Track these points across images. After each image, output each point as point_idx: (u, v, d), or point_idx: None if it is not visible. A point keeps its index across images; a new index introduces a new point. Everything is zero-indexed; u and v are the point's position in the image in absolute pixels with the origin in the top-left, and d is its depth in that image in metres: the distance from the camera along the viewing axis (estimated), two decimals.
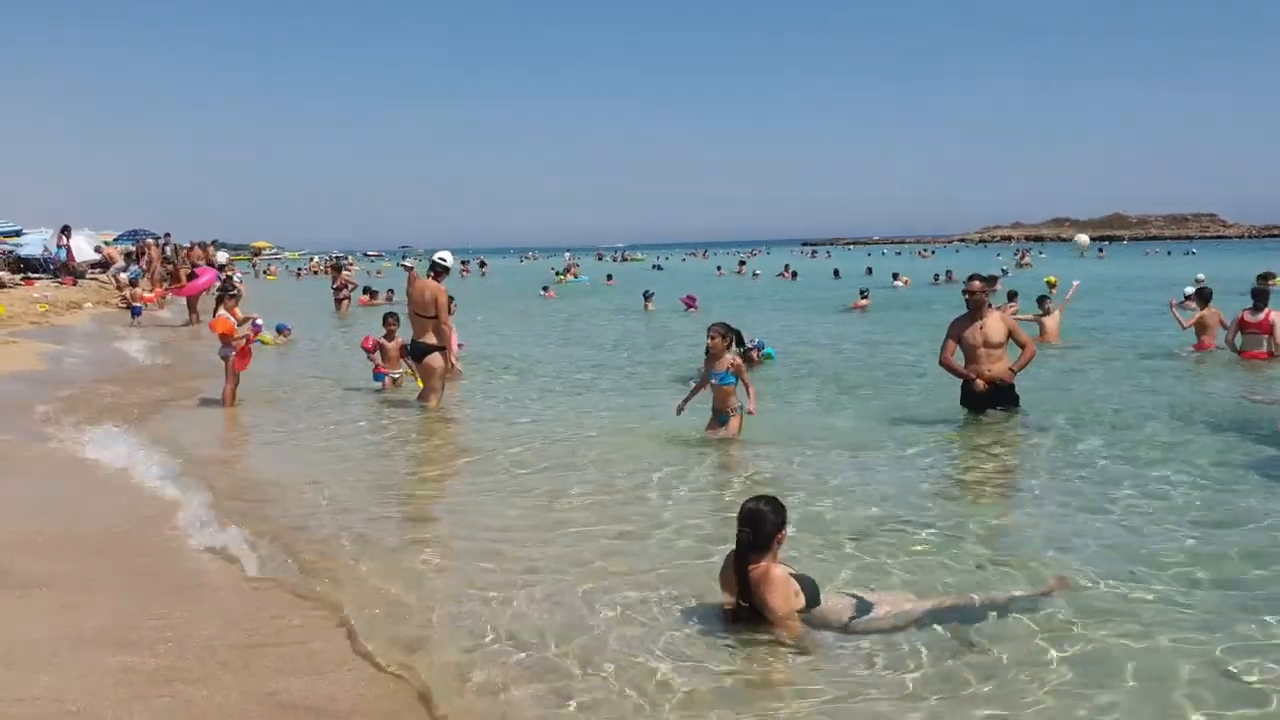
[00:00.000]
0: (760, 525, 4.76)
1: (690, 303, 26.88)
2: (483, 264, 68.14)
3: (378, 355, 13.31)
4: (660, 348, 18.10)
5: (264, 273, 65.67)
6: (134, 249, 40.34)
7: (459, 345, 12.64)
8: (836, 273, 45.33)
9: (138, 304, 22.53)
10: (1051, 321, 18.44)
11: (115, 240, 42.97)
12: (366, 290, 30.59)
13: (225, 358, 11.75)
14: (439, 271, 11.55)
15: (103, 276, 34.76)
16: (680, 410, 9.50)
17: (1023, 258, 55.43)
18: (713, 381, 9.39)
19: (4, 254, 31.21)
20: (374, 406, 11.93)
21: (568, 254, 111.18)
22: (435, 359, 11.37)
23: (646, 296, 27.75)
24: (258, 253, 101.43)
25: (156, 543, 6.42)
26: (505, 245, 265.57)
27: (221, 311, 11.85)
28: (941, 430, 9.85)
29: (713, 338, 9.33)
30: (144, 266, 33.43)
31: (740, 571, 4.78)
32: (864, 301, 26.53)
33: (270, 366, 15.21)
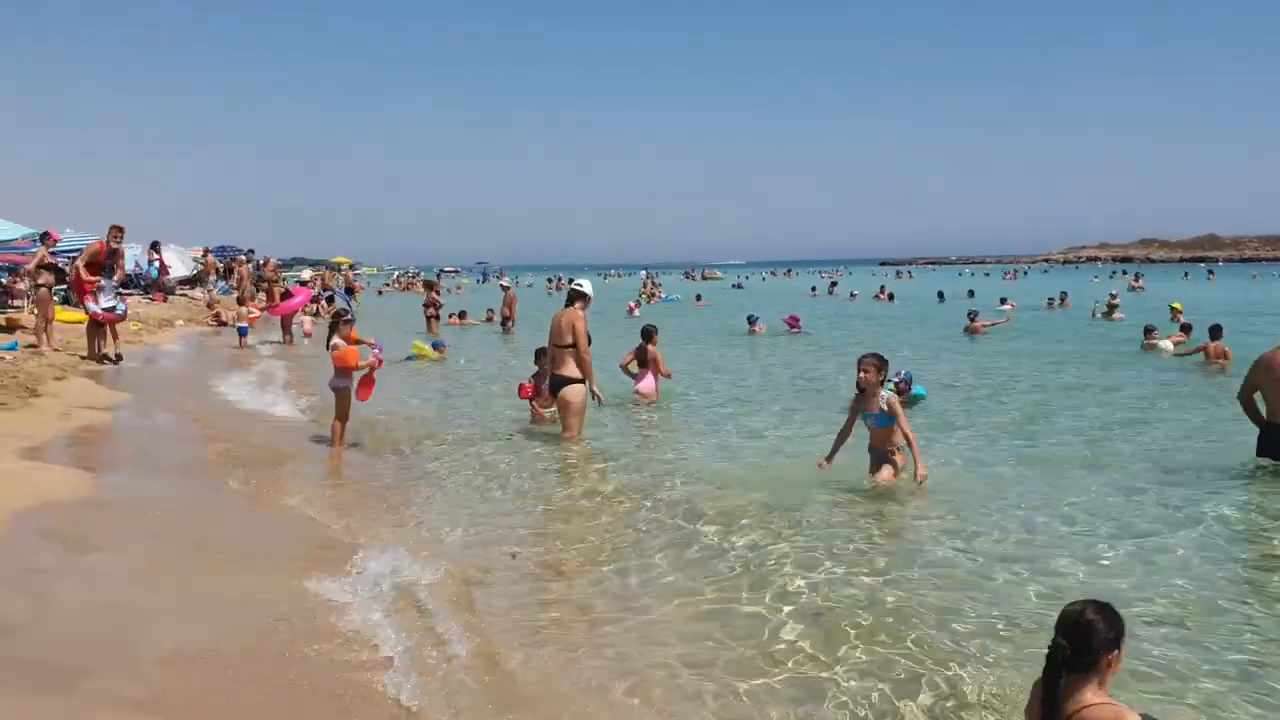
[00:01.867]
0: (1087, 639, 3.36)
1: (794, 323, 25.61)
2: (570, 281, 67.24)
3: (541, 399, 11.73)
4: (795, 374, 16.66)
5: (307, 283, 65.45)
6: (222, 266, 40.22)
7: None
8: (941, 295, 43.39)
9: (243, 324, 21.67)
10: (1216, 346, 17.37)
11: (214, 254, 42.94)
12: (461, 313, 30.00)
13: (339, 389, 10.62)
14: (577, 299, 10.48)
15: (194, 293, 34.46)
16: (829, 461, 8.20)
17: (1136, 280, 52.67)
18: (869, 423, 8.19)
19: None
20: (516, 442, 10.71)
21: (643, 272, 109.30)
22: (574, 392, 10.24)
23: (751, 321, 26.15)
24: (339, 268, 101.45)
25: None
26: (581, 263, 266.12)
27: (338, 339, 10.66)
28: (1228, 491, 8.08)
29: (865, 370, 8.09)
30: (233, 284, 33.04)
31: (1051, 705, 3.39)
32: (980, 324, 24.86)
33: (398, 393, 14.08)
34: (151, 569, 6.06)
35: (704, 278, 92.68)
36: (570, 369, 10.19)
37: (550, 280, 71.81)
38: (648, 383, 13.49)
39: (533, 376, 11.96)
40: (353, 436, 10.67)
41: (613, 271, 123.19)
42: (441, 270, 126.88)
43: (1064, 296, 35.28)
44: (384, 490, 8.65)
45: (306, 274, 31.42)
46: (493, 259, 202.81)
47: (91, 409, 11.38)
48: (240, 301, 24.84)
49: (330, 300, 31.82)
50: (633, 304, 36.39)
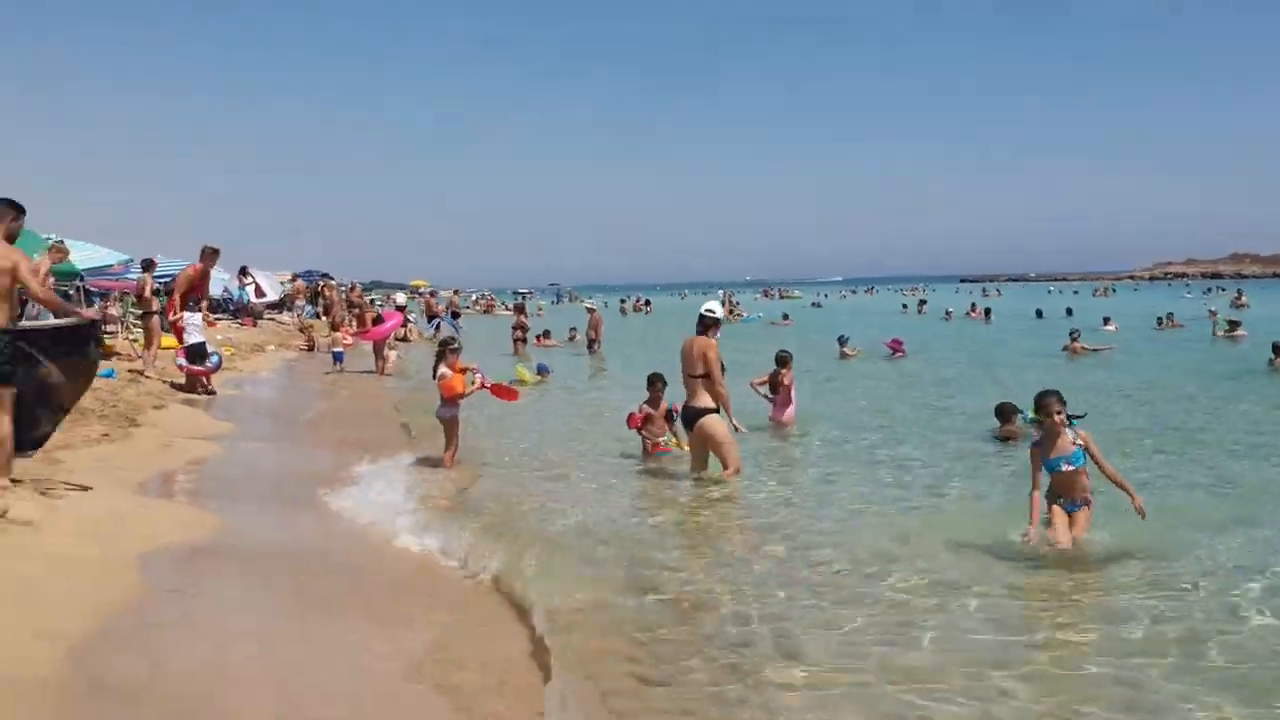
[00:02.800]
0: None
1: (897, 347, 24.40)
2: (647, 302, 66.99)
3: (653, 428, 11.05)
4: (921, 402, 15.63)
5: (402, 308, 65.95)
6: (308, 290, 40.51)
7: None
8: (1039, 312, 42.02)
9: (339, 349, 21.38)
10: None
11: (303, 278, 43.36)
12: (544, 333, 29.83)
13: (446, 419, 10.24)
14: (709, 325, 9.70)
15: (283, 317, 34.65)
16: (1031, 536, 6.85)
17: (1239, 298, 50.47)
18: (1063, 468, 7.06)
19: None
20: (642, 482, 9.95)
21: (721, 291, 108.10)
22: (713, 423, 9.40)
23: (842, 342, 24.84)
24: (417, 291, 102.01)
25: None
26: (653, 282, 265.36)
27: (444, 369, 10.31)
28: None
29: (1054, 413, 7.02)
30: (321, 309, 33.15)
31: None
32: (1081, 346, 23.78)
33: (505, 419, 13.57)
34: (271, 623, 5.49)
35: (782, 296, 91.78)
36: (704, 399, 9.42)
37: (624, 301, 71.31)
38: (789, 412, 12.86)
39: (644, 404, 11.22)
40: (464, 467, 10.20)
41: (686, 291, 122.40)
42: (515, 292, 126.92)
43: (1170, 316, 33.65)
44: (505, 521, 8.02)
45: (401, 298, 31.30)
46: (563, 280, 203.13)
47: (195, 439, 11.00)
48: (334, 326, 24.67)
49: (437, 326, 31.82)
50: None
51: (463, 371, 10.50)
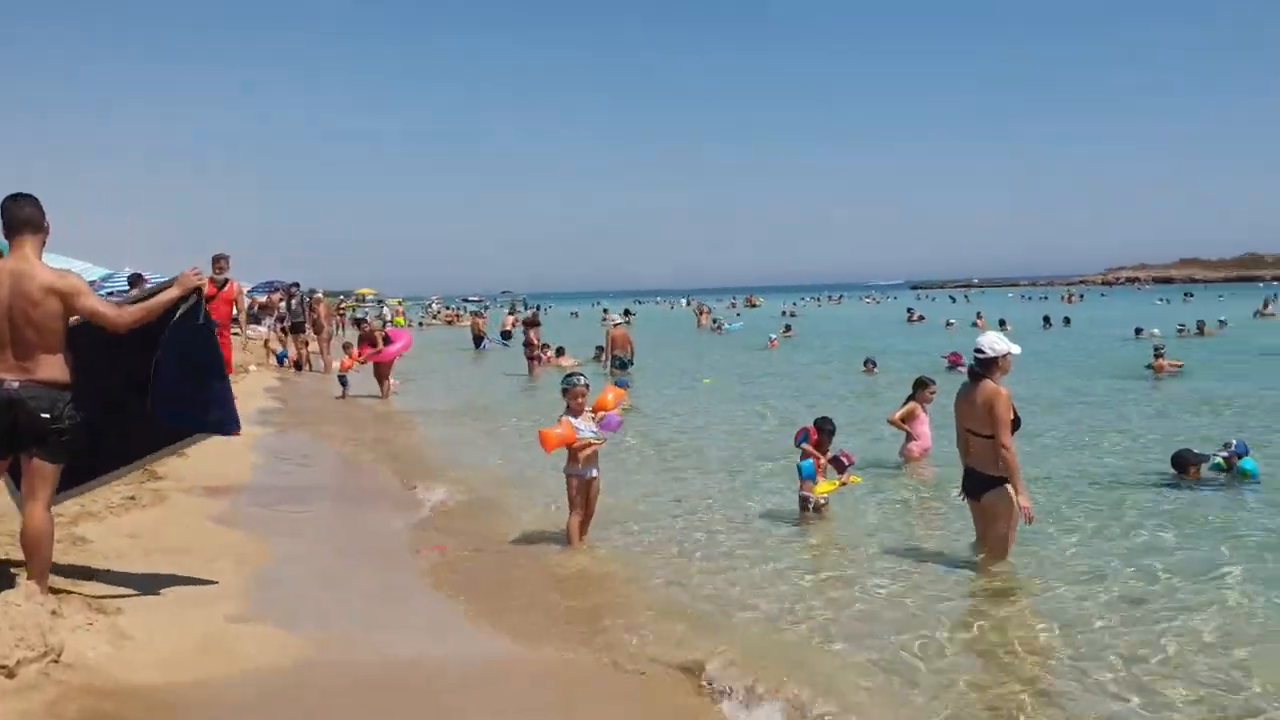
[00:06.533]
0: None
1: (956, 360, 22.92)
2: (626, 312, 64.59)
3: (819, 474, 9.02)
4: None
5: (390, 322, 62.83)
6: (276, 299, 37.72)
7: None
8: (1048, 320, 40.42)
9: (345, 372, 19.20)
10: None
11: (250, 291, 40.57)
12: (559, 350, 26.84)
13: (579, 478, 7.86)
14: (988, 366, 7.17)
15: (252, 331, 31.96)
16: None
17: (1265, 306, 47.18)
18: None
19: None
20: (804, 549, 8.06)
21: (686, 299, 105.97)
22: (997, 498, 7.11)
23: (868, 364, 22.90)
24: (363, 300, 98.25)
25: None
26: (608, 289, 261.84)
27: (559, 428, 7.81)
28: None
29: None
30: (310, 323, 30.51)
31: None
32: (1167, 363, 20.76)
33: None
34: None
35: (749, 304, 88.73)
36: (986, 464, 7.14)
37: (607, 311, 68.52)
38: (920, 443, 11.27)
39: (815, 431, 9.17)
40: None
41: (658, 299, 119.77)
42: (465, 300, 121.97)
43: (1202, 325, 32.26)
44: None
45: (387, 310, 28.27)
46: (516, 287, 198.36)
47: (214, 495, 9.10)
48: (346, 349, 22.24)
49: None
50: (773, 338, 32.85)
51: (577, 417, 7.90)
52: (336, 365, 20.51)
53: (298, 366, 24.10)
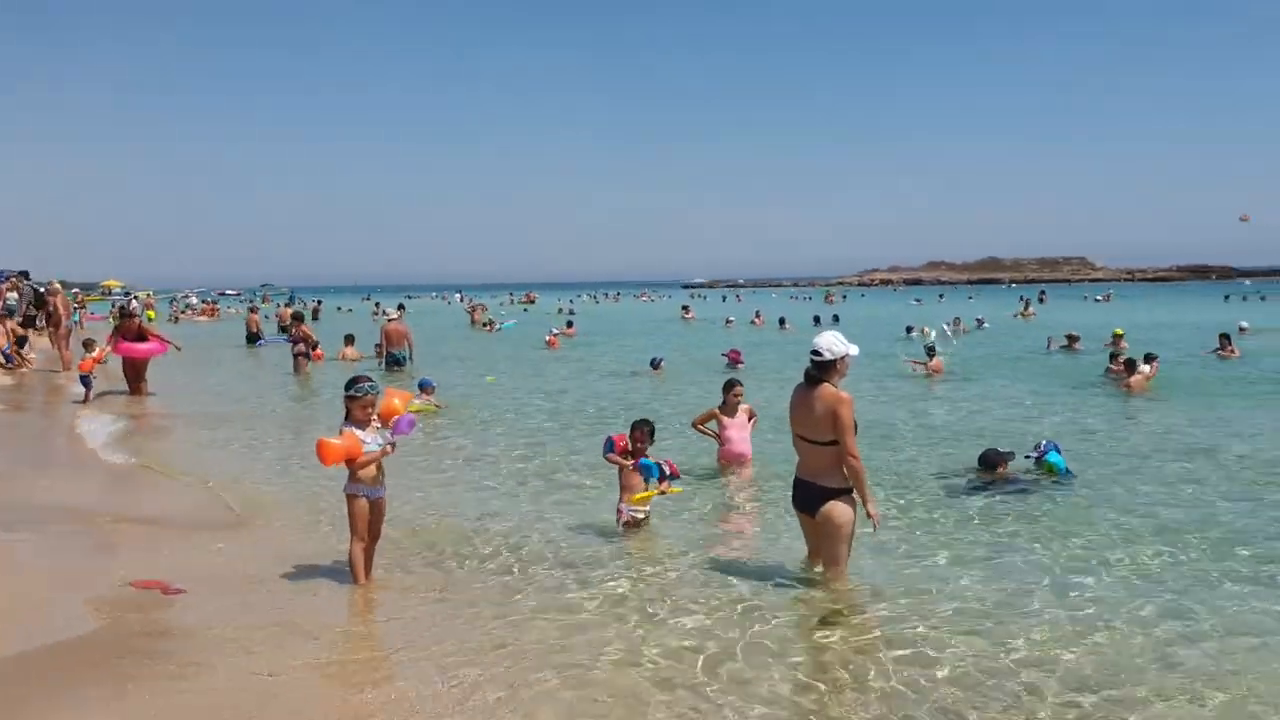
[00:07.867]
0: None
1: (735, 358, 23.31)
2: (400, 306, 61.81)
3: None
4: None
5: (183, 313, 59.01)
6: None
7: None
8: (817, 319, 41.75)
9: (87, 373, 16.94)
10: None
11: None
12: (348, 337, 25.54)
13: (366, 498, 6.81)
14: (824, 370, 6.66)
15: None
16: None
17: (1026, 308, 49.39)
18: None
19: None
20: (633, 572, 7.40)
21: (459, 295, 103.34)
22: (838, 512, 6.61)
23: (655, 364, 22.26)
24: (109, 292, 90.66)
25: None
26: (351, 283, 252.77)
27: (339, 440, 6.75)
28: None
29: None
30: (44, 316, 27.55)
31: None
32: (935, 363, 20.98)
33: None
34: None
35: (527, 300, 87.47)
36: (825, 476, 6.65)
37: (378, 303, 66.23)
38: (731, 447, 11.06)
39: (634, 430, 8.59)
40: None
41: (434, 294, 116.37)
42: (219, 293, 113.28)
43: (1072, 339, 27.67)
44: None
45: (135, 304, 24.86)
46: (276, 279, 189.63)
47: None
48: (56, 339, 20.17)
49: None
50: (551, 337, 31.64)
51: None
52: (77, 365, 18.29)
53: (7, 360, 21.36)
